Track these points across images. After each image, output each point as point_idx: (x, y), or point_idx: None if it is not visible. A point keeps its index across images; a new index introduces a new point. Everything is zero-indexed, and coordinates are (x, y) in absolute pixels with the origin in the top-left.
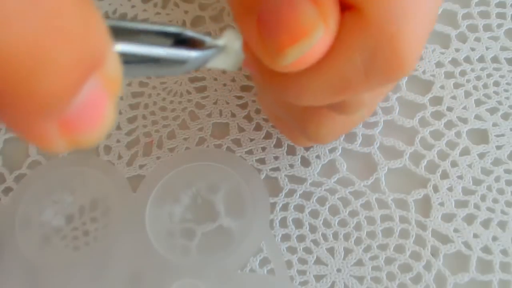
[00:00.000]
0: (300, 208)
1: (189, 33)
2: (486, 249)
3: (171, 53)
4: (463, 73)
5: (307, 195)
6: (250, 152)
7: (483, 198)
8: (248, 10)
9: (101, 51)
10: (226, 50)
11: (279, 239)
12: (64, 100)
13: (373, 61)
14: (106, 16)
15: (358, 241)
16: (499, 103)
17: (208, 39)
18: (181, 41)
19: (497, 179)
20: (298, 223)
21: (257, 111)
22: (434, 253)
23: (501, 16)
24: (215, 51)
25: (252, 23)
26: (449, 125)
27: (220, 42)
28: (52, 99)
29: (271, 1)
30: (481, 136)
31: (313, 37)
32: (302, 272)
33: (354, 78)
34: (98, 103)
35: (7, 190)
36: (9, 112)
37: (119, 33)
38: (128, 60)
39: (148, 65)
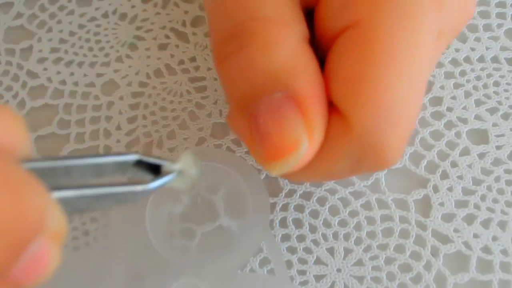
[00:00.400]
0: (300, 208)
1: (146, 159)
2: (486, 249)
3: (121, 190)
4: (463, 73)
5: (307, 195)
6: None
7: (483, 198)
8: (243, 110)
9: (38, 221)
10: (183, 173)
11: (279, 239)
12: (2, 273)
13: (359, 163)
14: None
15: (358, 241)
16: (499, 103)
17: (165, 164)
18: (139, 164)
19: (497, 179)
20: (298, 223)
21: None
22: (434, 253)
23: (501, 16)
24: (172, 177)
25: (245, 122)
26: (449, 125)
27: (177, 166)
28: None
29: (263, 107)
30: (481, 136)
31: (297, 153)
32: (302, 272)
33: (342, 173)
34: (41, 257)
35: None
36: None
37: (69, 172)
38: (74, 202)
39: (98, 202)
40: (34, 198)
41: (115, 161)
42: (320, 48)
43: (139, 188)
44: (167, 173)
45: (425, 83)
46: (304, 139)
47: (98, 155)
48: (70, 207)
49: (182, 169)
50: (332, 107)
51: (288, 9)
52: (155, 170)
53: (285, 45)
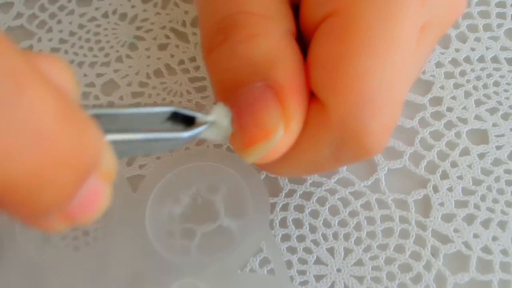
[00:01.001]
0: (300, 208)
1: (182, 111)
2: (486, 249)
3: (164, 136)
4: (463, 73)
5: (307, 195)
6: None
7: (483, 198)
8: (226, 100)
9: (96, 156)
10: (216, 125)
11: (279, 239)
12: (62, 204)
13: (341, 151)
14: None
15: (358, 241)
16: (499, 103)
17: (199, 115)
18: (174, 116)
19: (497, 179)
20: (298, 223)
21: None
22: (434, 253)
23: (501, 16)
24: (206, 127)
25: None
26: (449, 125)
27: (210, 118)
28: (51, 207)
29: (243, 97)
30: (481, 137)
31: (270, 141)
32: (302, 272)
33: (325, 163)
34: (96, 194)
35: None
36: (14, 213)
37: (113, 121)
38: (122, 146)
39: (142, 147)
40: (93, 133)
41: (153, 112)
42: (306, 41)
43: (184, 134)
44: (201, 124)
45: (410, 73)
46: (279, 127)
47: (137, 106)
48: (118, 151)
49: (215, 120)
50: (313, 97)
51: (273, 4)
52: (189, 123)
53: (267, 37)
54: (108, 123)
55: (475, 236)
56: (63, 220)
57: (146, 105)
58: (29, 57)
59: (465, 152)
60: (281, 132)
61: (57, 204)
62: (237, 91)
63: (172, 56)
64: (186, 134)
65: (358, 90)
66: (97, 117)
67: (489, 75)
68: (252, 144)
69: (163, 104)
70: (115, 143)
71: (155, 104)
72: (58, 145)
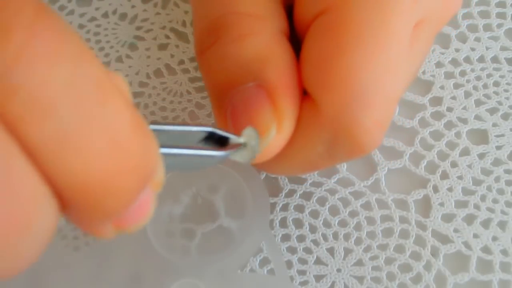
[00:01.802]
0: (300, 208)
1: (218, 132)
2: (486, 249)
3: (202, 153)
4: (463, 73)
5: (307, 195)
6: None
7: (483, 198)
8: (219, 100)
9: (155, 166)
10: (246, 147)
11: (279, 239)
12: (122, 211)
13: (334, 148)
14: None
15: (358, 241)
16: (499, 103)
17: (232, 137)
18: (208, 137)
19: (497, 180)
20: (298, 223)
21: None
22: (434, 253)
23: (501, 16)
24: (237, 149)
25: (222, 113)
26: (449, 125)
27: (241, 140)
28: (113, 214)
29: (235, 97)
30: (481, 137)
31: (264, 140)
32: (302, 272)
33: (320, 161)
34: (147, 203)
35: None
36: (74, 217)
37: (159, 136)
38: (167, 160)
39: (181, 163)
40: (155, 144)
41: (191, 131)
42: (300, 40)
43: (221, 153)
44: (233, 145)
45: (404, 70)
46: (272, 127)
47: (178, 123)
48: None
49: (246, 142)
50: (305, 95)
51: (264, 4)
52: (222, 144)
53: (258, 37)
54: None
55: (475, 236)
56: (115, 227)
57: (184, 123)
58: (106, 70)
59: (465, 152)
60: (273, 131)
61: (119, 210)
62: (230, 92)
63: (172, 56)
64: (223, 153)
65: (348, 86)
66: None
67: (489, 75)
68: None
69: (201, 124)
70: (163, 156)
71: (193, 123)
72: (131, 154)
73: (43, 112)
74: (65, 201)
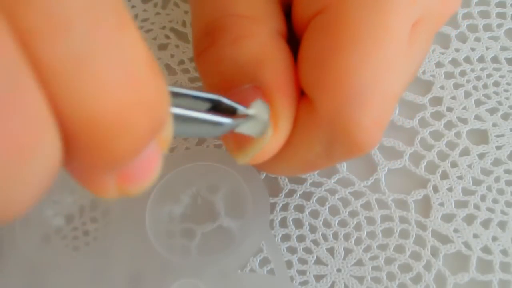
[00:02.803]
0: (300, 208)
1: (225, 100)
2: (486, 249)
3: (209, 118)
4: (463, 73)
5: (307, 195)
6: None
7: (483, 198)
8: None
9: (166, 114)
10: (255, 119)
11: (279, 239)
12: (130, 159)
13: (332, 148)
14: None
15: (358, 241)
16: (499, 103)
17: (240, 108)
18: (216, 106)
19: (497, 180)
20: (298, 223)
21: None
22: (434, 253)
23: (501, 16)
24: (245, 119)
25: None
26: (449, 125)
27: (251, 111)
28: (121, 158)
29: (233, 97)
30: (481, 137)
31: (260, 142)
32: (302, 272)
33: (318, 161)
34: (152, 160)
35: None
36: (76, 164)
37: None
38: (175, 121)
39: (189, 126)
40: (166, 87)
41: (200, 96)
42: (299, 40)
43: (229, 120)
44: (242, 116)
45: (403, 68)
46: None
47: (187, 88)
48: None
49: (255, 114)
50: (302, 95)
51: (261, 5)
52: (230, 114)
53: (253, 39)
54: None
55: (475, 236)
56: (118, 184)
57: (193, 88)
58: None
59: (465, 152)
60: (269, 133)
61: (126, 155)
62: (227, 94)
63: (172, 56)
64: (231, 121)
65: (345, 84)
66: None
67: (489, 75)
68: (242, 145)
69: (210, 92)
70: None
71: (202, 90)
72: (145, 90)
73: (60, 27)
74: (69, 140)
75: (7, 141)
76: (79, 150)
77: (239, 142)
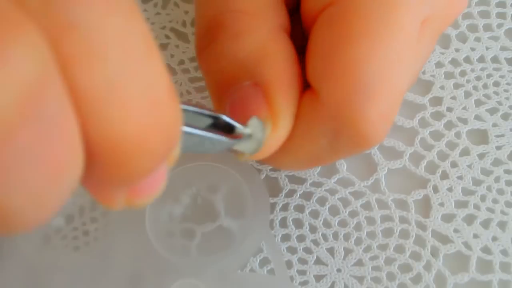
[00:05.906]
0: (300, 208)
1: (225, 118)
2: (486, 249)
3: (210, 136)
4: (463, 73)
5: (307, 195)
6: None
7: (483, 198)
8: (218, 99)
9: (178, 137)
10: (251, 138)
11: (279, 239)
12: (145, 177)
13: (338, 141)
14: None
15: (358, 241)
16: (499, 103)
17: (238, 126)
18: (215, 124)
19: (497, 180)
20: (298, 223)
21: None
22: (434, 253)
23: (501, 16)
24: (242, 139)
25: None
26: (449, 125)
27: (247, 131)
28: (137, 176)
29: (233, 96)
30: (481, 137)
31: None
32: (302, 272)
33: (324, 154)
34: (161, 176)
35: None
36: (92, 179)
37: None
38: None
39: (190, 143)
40: (181, 114)
41: (201, 113)
42: (307, 34)
43: (229, 140)
44: (239, 135)
45: (410, 63)
46: (268, 125)
47: (192, 104)
48: None
49: (251, 133)
50: (306, 88)
51: (261, 1)
52: (228, 131)
53: (254, 35)
54: None
55: (475, 236)
56: (128, 197)
57: (194, 105)
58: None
59: (465, 152)
60: (268, 129)
61: (142, 173)
62: (228, 91)
63: (172, 56)
64: (229, 140)
65: (353, 75)
66: None
67: (489, 75)
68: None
69: (210, 109)
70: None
71: (205, 107)
72: (165, 118)
73: (97, 56)
74: (90, 158)
75: (50, 162)
76: (99, 168)
77: None
